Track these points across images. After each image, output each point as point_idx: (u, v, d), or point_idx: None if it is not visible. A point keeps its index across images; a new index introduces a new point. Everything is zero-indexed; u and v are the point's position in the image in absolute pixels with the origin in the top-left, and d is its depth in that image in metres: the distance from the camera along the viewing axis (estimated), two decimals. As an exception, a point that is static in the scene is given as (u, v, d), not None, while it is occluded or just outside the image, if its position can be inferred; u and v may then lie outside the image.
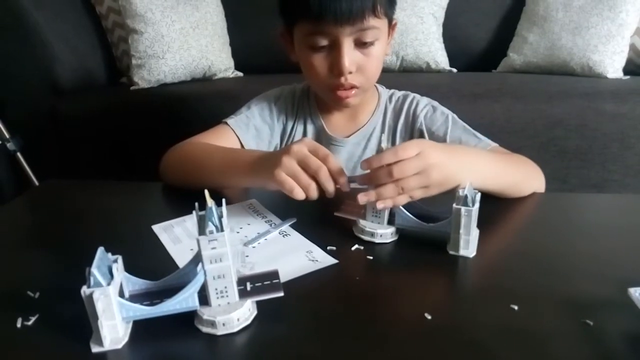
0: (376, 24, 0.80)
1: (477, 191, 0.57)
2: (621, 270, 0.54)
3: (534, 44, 1.85)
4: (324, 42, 0.81)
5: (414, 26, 1.89)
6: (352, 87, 0.84)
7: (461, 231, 0.56)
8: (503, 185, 0.72)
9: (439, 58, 1.93)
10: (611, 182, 1.53)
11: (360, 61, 0.82)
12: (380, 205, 0.59)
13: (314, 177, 0.62)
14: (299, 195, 0.62)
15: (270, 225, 0.67)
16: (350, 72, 0.82)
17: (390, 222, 0.62)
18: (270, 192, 0.82)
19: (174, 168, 0.85)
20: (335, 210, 0.67)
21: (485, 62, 2.02)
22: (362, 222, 0.62)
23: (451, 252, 0.58)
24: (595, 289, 0.51)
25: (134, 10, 1.74)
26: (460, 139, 0.87)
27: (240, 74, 2.02)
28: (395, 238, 0.62)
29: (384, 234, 0.61)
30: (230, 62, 1.99)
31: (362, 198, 0.60)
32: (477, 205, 0.56)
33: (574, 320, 0.45)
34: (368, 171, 0.61)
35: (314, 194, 0.62)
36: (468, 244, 0.57)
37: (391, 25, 0.88)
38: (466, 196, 0.56)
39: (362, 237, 0.62)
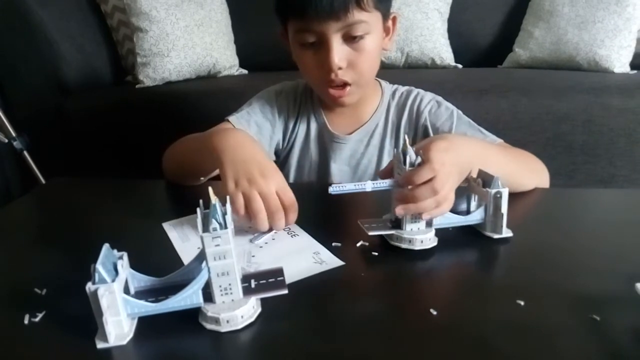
0: (364, 18, 0.77)
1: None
2: (628, 265, 0.54)
3: (540, 39, 1.84)
4: (311, 39, 0.80)
5: (418, 22, 1.88)
6: (345, 83, 0.83)
7: (502, 211, 0.58)
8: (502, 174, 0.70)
9: (444, 54, 1.92)
10: (618, 177, 1.52)
11: (351, 56, 0.80)
12: (426, 216, 0.57)
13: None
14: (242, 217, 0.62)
15: None
16: (341, 68, 0.80)
17: (428, 224, 0.60)
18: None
19: (169, 164, 0.87)
20: (346, 212, 0.66)
21: (490, 57, 2.01)
22: (400, 231, 0.59)
23: (495, 237, 0.59)
24: (602, 284, 0.50)
25: (138, 8, 1.74)
26: (466, 135, 0.87)
27: (244, 71, 2.02)
28: (436, 242, 0.59)
29: (425, 239, 0.58)
30: (234, 60, 1.99)
31: (400, 211, 0.57)
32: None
33: (581, 316, 0.44)
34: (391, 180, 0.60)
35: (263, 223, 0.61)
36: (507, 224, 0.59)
37: (388, 19, 0.86)
38: (490, 178, 0.59)
39: (409, 247, 0.58)
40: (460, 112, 0.92)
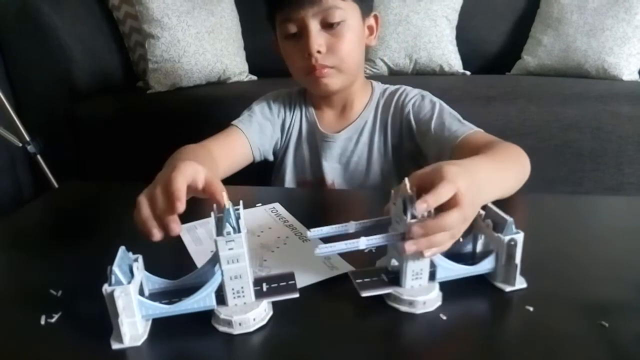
0: (339, 5, 0.84)
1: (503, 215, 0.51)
2: (637, 272, 0.54)
3: (548, 46, 1.84)
4: (293, 28, 0.86)
5: (427, 29, 1.89)
6: (325, 68, 0.87)
7: (517, 261, 0.50)
8: (506, 190, 0.68)
9: (453, 61, 1.93)
10: (627, 185, 1.52)
11: (330, 41, 0.86)
12: (428, 253, 0.47)
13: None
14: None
15: (291, 230, 0.67)
16: (320, 52, 0.85)
17: (431, 276, 0.50)
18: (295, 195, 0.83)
19: None
20: (353, 215, 0.66)
21: (499, 64, 2.01)
22: (399, 290, 0.49)
23: (508, 289, 0.50)
24: (611, 290, 0.50)
25: (150, 15, 1.77)
26: (444, 123, 0.87)
27: (254, 77, 2.04)
28: (440, 302, 0.49)
29: (429, 300, 0.48)
30: (244, 66, 2.00)
31: (410, 247, 0.46)
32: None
33: (590, 322, 0.45)
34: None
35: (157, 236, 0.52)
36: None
37: (369, 17, 0.92)
38: (503, 221, 0.50)
39: (409, 310, 0.48)
40: (444, 104, 0.93)
